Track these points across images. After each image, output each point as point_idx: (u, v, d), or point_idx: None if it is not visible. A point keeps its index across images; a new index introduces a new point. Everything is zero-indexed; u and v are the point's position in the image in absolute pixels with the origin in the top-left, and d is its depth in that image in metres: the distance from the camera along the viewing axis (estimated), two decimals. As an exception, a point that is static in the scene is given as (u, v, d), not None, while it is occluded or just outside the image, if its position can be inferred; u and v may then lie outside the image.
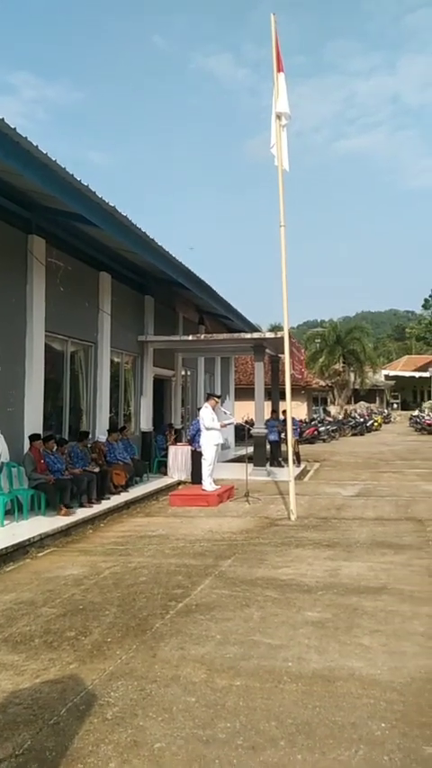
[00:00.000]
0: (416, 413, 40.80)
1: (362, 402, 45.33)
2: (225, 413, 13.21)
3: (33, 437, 9.26)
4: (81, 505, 9.40)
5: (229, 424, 13.22)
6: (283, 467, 14.88)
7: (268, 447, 15.51)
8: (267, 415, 15.69)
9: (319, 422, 31.39)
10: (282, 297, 9.66)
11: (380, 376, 49.09)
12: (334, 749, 2.96)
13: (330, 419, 34.02)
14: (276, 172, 9.66)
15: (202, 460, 11.40)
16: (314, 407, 39.95)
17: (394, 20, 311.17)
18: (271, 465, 15.25)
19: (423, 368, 53.52)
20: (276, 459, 16.09)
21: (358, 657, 4.05)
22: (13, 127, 6.63)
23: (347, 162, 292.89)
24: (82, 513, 9.01)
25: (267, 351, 15.47)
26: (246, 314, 19.32)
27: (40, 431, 9.63)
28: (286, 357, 10.19)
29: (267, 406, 15.85)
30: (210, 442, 11.30)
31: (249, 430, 14.19)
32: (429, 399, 50.42)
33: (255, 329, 20.31)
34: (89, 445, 10.93)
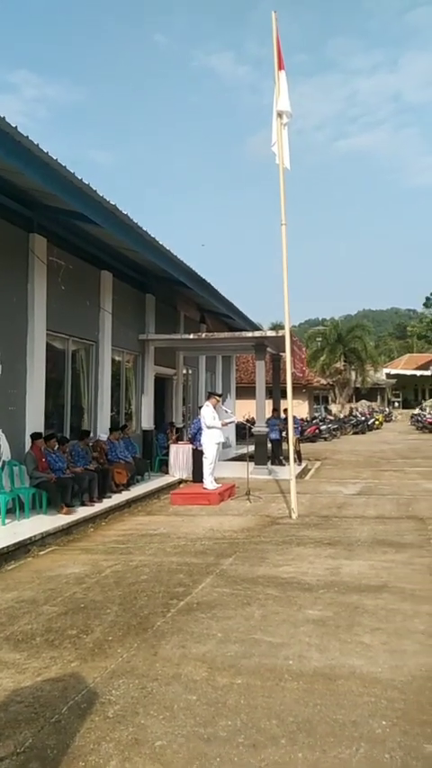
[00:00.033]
0: (417, 411, 40.77)
1: (363, 400, 45.28)
2: (226, 411, 13.21)
3: (35, 436, 9.27)
4: (82, 504, 9.41)
5: (230, 422, 13.22)
6: (284, 465, 14.88)
7: (269, 445, 15.51)
8: (268, 414, 15.69)
9: (321, 420, 31.40)
10: (283, 295, 9.66)
11: (381, 374, 49.02)
12: (335, 747, 2.97)
13: (331, 417, 34.01)
14: (277, 170, 9.65)
15: (204, 459, 11.40)
16: (315, 406, 39.96)
17: (396, 17, 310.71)
18: (272, 463, 15.25)
19: (424, 366, 53.46)
20: (277, 457, 16.09)
21: (359, 656, 4.05)
22: (14, 125, 6.63)
23: (349, 160, 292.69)
24: (83, 511, 9.02)
25: (269, 349, 15.46)
26: (247, 312, 19.33)
27: (41, 429, 9.64)
28: (287, 355, 10.19)
29: (268, 404, 15.85)
30: (211, 441, 11.31)
31: (250, 428, 14.20)
32: (431, 398, 50.40)
33: (256, 328, 20.30)
34: (90, 444, 10.94)
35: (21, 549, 7.10)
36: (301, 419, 28.61)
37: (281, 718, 3.25)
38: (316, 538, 7.71)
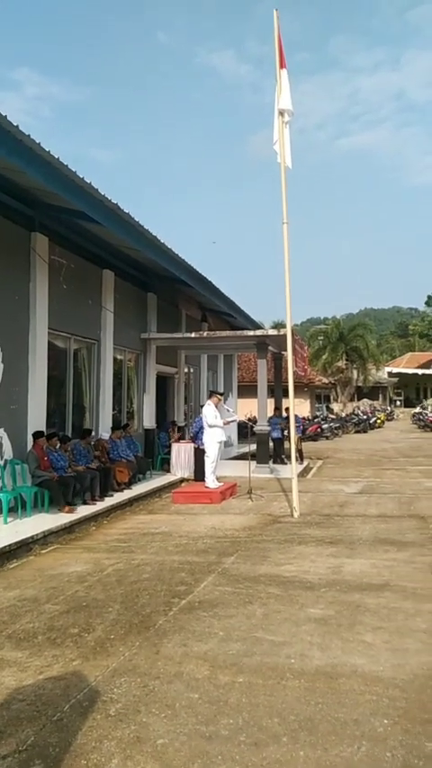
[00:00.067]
0: (418, 410, 40.74)
1: (365, 399, 45.28)
2: (228, 410, 13.22)
3: (37, 434, 9.28)
4: (84, 503, 9.43)
5: (231, 421, 13.23)
6: (285, 464, 14.88)
7: (271, 444, 15.51)
8: (270, 413, 15.69)
9: (322, 419, 31.40)
10: (285, 294, 9.66)
11: (383, 373, 48.95)
12: (336, 745, 2.97)
13: (333, 416, 34.00)
14: (279, 169, 9.64)
15: (205, 458, 11.40)
16: (317, 405, 39.94)
17: (398, 15, 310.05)
18: (274, 462, 15.26)
19: (426, 365, 53.45)
20: (279, 456, 16.10)
21: (361, 654, 4.05)
22: (15, 124, 6.63)
23: (351, 159, 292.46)
24: (85, 510, 9.03)
25: (270, 348, 15.46)
26: (249, 311, 19.32)
27: (43, 428, 9.65)
28: (289, 354, 10.18)
29: (270, 403, 15.86)
30: (212, 440, 11.31)
31: (252, 427, 14.20)
32: (433, 396, 50.38)
33: (258, 326, 20.31)
34: (92, 442, 10.95)
35: (23, 548, 7.11)
36: (303, 418, 28.60)
37: (282, 717, 3.25)
38: (318, 536, 7.71)
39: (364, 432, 32.64)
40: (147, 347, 14.80)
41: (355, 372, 41.08)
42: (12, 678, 3.79)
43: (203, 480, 11.34)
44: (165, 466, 14.14)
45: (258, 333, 15.19)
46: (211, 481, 11.15)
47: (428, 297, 79.29)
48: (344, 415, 36.09)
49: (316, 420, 30.90)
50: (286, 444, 15.98)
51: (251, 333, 15.50)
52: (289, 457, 11.36)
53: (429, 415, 34.75)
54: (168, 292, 15.79)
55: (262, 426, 14.40)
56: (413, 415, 39.89)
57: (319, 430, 27.90)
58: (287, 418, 12.76)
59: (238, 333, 16.14)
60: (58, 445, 9.58)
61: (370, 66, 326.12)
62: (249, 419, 20.92)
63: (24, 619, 4.85)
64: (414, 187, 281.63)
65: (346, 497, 10.98)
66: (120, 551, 7.13)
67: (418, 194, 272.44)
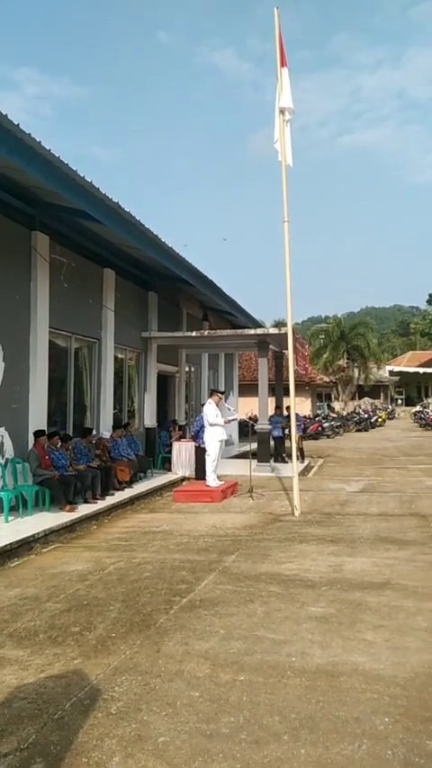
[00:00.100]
0: (418, 408, 40.71)
1: (366, 398, 45.25)
2: (229, 409, 13.22)
3: (38, 433, 9.29)
4: (85, 501, 9.43)
5: (232, 420, 13.23)
6: (286, 463, 14.88)
7: (272, 443, 15.51)
8: (271, 411, 15.68)
9: (323, 418, 31.38)
10: (286, 292, 9.66)
11: (384, 372, 48.92)
12: (337, 744, 2.97)
13: (334, 415, 33.99)
14: (280, 167, 9.63)
15: (206, 456, 11.41)
16: (318, 403, 39.94)
17: (400, 12, 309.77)
18: (275, 461, 15.25)
19: (427, 363, 53.34)
20: (280, 455, 16.10)
21: (362, 652, 4.05)
22: (16, 123, 6.62)
23: (353, 157, 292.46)
24: (86, 509, 9.04)
25: (271, 347, 15.45)
26: (249, 310, 19.31)
27: (44, 427, 9.65)
28: (290, 353, 10.18)
29: (271, 402, 15.85)
30: (213, 438, 11.32)
31: (253, 426, 14.20)
32: (434, 395, 50.35)
33: (258, 325, 20.31)
34: (93, 441, 10.96)
35: (24, 547, 7.12)
36: (304, 416, 28.58)
37: (283, 715, 3.25)
38: (319, 535, 7.71)
39: (366, 430, 32.63)
40: (148, 346, 14.80)
41: (356, 371, 41.06)
42: (13, 676, 3.79)
43: (204, 479, 11.35)
44: (166, 465, 14.15)
45: (259, 332, 15.18)
46: (212, 480, 11.15)
47: (430, 295, 79.21)
48: (345, 413, 36.08)
49: (317, 419, 30.88)
50: (287, 443, 15.98)
51: (252, 332, 15.49)
52: (290, 455, 11.36)
53: (430, 413, 34.72)
54: (169, 291, 15.79)
55: (263, 425, 14.39)
56: (414, 414, 39.86)
57: (320, 428, 27.89)
58: (288, 417, 12.78)
59: (239, 332, 16.14)
60: (60, 444, 9.58)
61: (372, 63, 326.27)
62: (250, 418, 20.89)
63: (25, 617, 4.86)
64: (416, 185, 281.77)
65: (348, 496, 10.98)
66: (121, 550, 7.14)
67: (420, 192, 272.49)
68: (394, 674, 3.74)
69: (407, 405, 53.34)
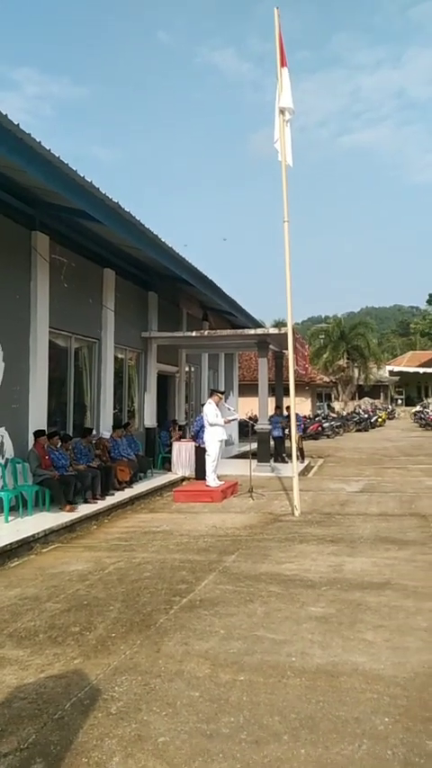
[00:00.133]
0: (418, 408, 40.70)
1: (366, 398, 45.25)
2: (229, 409, 13.22)
3: (38, 433, 9.29)
4: (85, 501, 9.43)
5: (232, 420, 13.23)
6: (286, 463, 14.88)
7: (272, 443, 15.51)
8: (271, 411, 15.68)
9: (323, 418, 31.37)
10: (286, 292, 9.66)
11: (384, 372, 48.92)
12: (337, 744, 2.97)
13: (334, 415, 33.99)
14: (280, 167, 9.63)
15: (206, 456, 11.41)
16: (318, 403, 39.93)
17: (399, 12, 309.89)
18: (275, 461, 15.25)
19: (427, 363, 53.32)
20: (280, 455, 16.10)
21: (362, 652, 4.05)
22: (16, 123, 6.62)
23: (352, 157, 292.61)
24: (86, 509, 9.04)
25: (271, 347, 15.45)
26: (249, 310, 19.31)
27: (44, 427, 9.65)
28: (290, 353, 10.18)
29: (271, 402, 15.85)
30: (213, 438, 11.32)
31: (253, 426, 14.20)
32: (434, 395, 50.35)
33: (258, 325, 20.31)
34: (93, 441, 10.96)
35: (24, 547, 7.12)
36: (304, 416, 28.57)
37: (283, 715, 3.25)
38: (319, 535, 7.71)
39: (366, 430, 32.63)
40: (148, 346, 14.80)
41: (356, 371, 41.06)
42: (13, 676, 3.79)
43: (204, 479, 11.35)
44: (166, 465, 14.15)
45: (259, 331, 15.18)
46: (212, 480, 11.15)
47: (430, 295, 79.22)
48: (345, 413, 36.07)
49: (317, 419, 30.88)
50: (287, 443, 15.97)
51: (252, 332, 15.49)
52: (290, 455, 11.36)
53: (430, 413, 34.71)
54: (169, 291, 15.79)
55: (263, 425, 14.40)
56: (414, 414, 39.86)
57: (320, 428, 27.89)
58: (288, 417, 12.78)
59: (239, 332, 16.14)
60: (60, 444, 9.58)
61: (371, 63, 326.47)
62: (250, 418, 20.89)
63: (25, 617, 4.86)
64: (415, 185, 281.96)
65: (348, 496, 10.98)
66: (121, 550, 7.14)
67: (419, 192, 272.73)
68: (394, 673, 3.74)
69: (407, 405, 53.34)
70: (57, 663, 3.97)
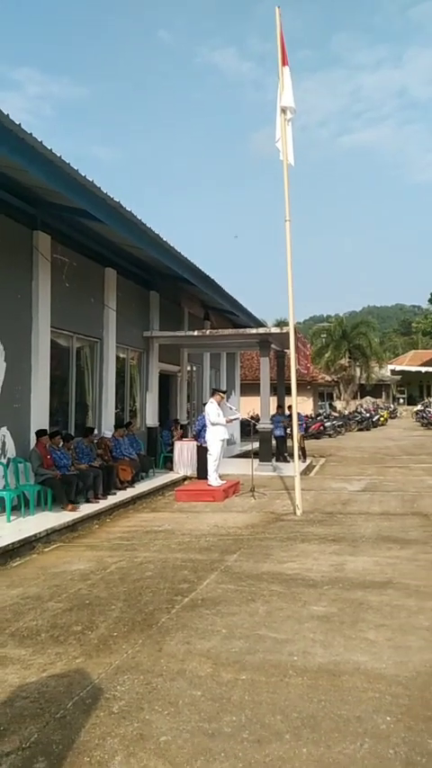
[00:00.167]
0: (419, 407, 40.67)
1: (368, 397, 45.25)
2: (230, 408, 13.21)
3: (40, 433, 9.29)
4: (87, 501, 9.44)
5: (234, 419, 13.23)
6: (288, 462, 14.88)
7: (274, 442, 15.51)
8: (273, 411, 15.69)
9: (325, 417, 31.35)
10: (287, 292, 9.65)
11: (386, 371, 48.93)
12: (339, 743, 2.97)
13: (336, 414, 33.97)
14: (281, 166, 9.62)
15: (208, 456, 11.41)
16: (320, 402, 39.91)
17: (400, 12, 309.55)
18: (276, 460, 15.25)
19: (429, 363, 53.27)
20: (282, 454, 16.09)
21: (363, 652, 4.05)
22: (17, 123, 6.63)
23: (353, 156, 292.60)
24: (88, 508, 9.04)
25: (273, 346, 15.45)
26: (251, 309, 19.31)
27: (46, 426, 9.65)
28: (292, 352, 10.18)
29: (273, 401, 15.85)
30: (215, 438, 11.32)
31: (255, 425, 14.20)
32: (436, 394, 50.31)
33: (260, 324, 20.29)
34: (95, 441, 10.96)
35: (26, 546, 7.12)
36: (306, 416, 28.58)
37: (285, 714, 3.25)
38: (320, 534, 7.71)
39: (367, 430, 32.62)
40: (149, 345, 14.81)
41: (357, 370, 41.06)
42: (15, 676, 3.80)
43: (206, 478, 11.35)
44: (167, 464, 14.16)
45: (261, 331, 15.18)
46: (213, 479, 11.16)
47: (431, 294, 79.02)
48: (347, 412, 36.06)
49: (319, 418, 30.86)
50: (289, 442, 15.95)
51: (254, 331, 15.49)
52: (292, 455, 11.34)
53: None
54: (171, 290, 15.79)
55: (265, 424, 14.40)
56: (416, 413, 39.83)
57: (321, 428, 27.87)
58: (290, 416, 12.77)
59: (241, 331, 16.14)
60: (61, 443, 9.59)
61: (372, 63, 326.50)
62: (252, 417, 20.89)
63: (27, 617, 4.86)
64: (416, 184, 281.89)
65: (349, 495, 10.98)
66: (123, 549, 7.14)
67: (420, 191, 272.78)
68: (396, 673, 3.74)
69: (409, 404, 53.34)
70: (59, 662, 3.98)
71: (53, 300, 10.14)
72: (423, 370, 52.55)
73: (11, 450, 9.06)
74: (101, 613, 4.88)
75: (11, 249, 9.27)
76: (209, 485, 11.08)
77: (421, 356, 57.99)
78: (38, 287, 9.77)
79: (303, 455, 15.74)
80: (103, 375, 12.36)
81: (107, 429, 12.01)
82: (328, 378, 39.35)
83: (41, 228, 9.83)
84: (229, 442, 14.80)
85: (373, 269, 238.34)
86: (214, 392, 12.29)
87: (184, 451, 13.62)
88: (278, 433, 15.94)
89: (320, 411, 36.32)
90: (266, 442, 14.49)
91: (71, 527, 8.19)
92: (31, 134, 6.88)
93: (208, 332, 15.95)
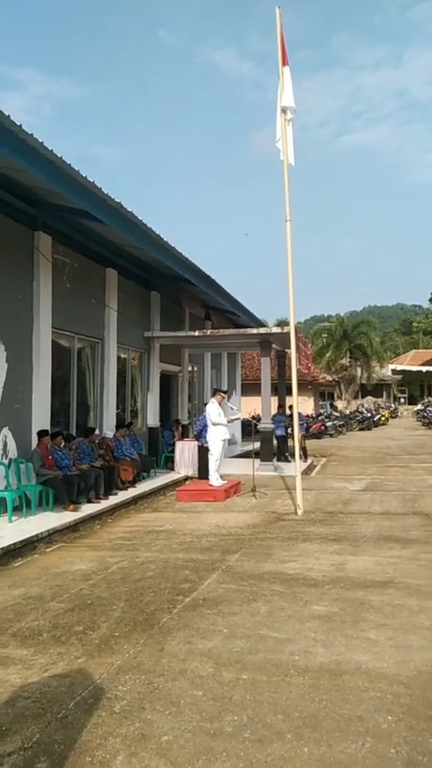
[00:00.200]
0: (420, 407, 40.65)
1: (369, 397, 45.23)
2: (231, 408, 13.21)
3: (41, 433, 9.30)
4: (89, 501, 9.44)
5: (235, 419, 13.22)
6: (289, 462, 14.88)
7: (275, 442, 15.51)
8: (274, 411, 15.69)
9: (326, 417, 31.34)
10: (288, 292, 9.64)
11: (387, 370, 48.92)
12: (341, 742, 2.97)
13: (337, 414, 33.95)
14: (282, 166, 9.62)
15: (209, 456, 11.42)
16: (321, 402, 39.90)
17: (400, 12, 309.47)
18: (278, 460, 15.25)
19: (430, 362, 53.26)
20: (283, 454, 16.09)
21: (365, 651, 4.06)
22: (18, 124, 6.63)
23: (353, 156, 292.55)
24: (89, 508, 9.05)
25: (274, 346, 15.45)
26: (252, 309, 19.31)
27: (47, 427, 9.66)
28: (293, 352, 10.19)
29: (274, 401, 15.85)
30: (216, 438, 11.33)
31: (256, 425, 14.20)
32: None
33: (261, 324, 20.29)
34: (96, 441, 10.97)
35: (28, 546, 7.13)
36: (307, 416, 28.57)
37: (287, 714, 3.26)
38: (322, 534, 7.72)
39: (368, 429, 32.60)
40: (150, 346, 14.82)
41: (358, 370, 41.06)
42: (17, 676, 3.80)
43: (207, 478, 11.35)
44: (169, 464, 14.17)
45: (262, 331, 15.19)
46: (214, 479, 11.16)
47: (432, 294, 79.00)
48: (348, 412, 36.05)
49: (320, 418, 30.85)
50: (290, 442, 15.95)
51: (255, 331, 15.50)
52: (293, 455, 11.34)
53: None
54: (172, 291, 15.79)
55: (266, 424, 14.40)
56: (417, 413, 39.80)
57: (322, 427, 27.86)
58: (291, 416, 12.77)
59: (242, 331, 16.14)
60: (63, 444, 9.60)
61: (372, 63, 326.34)
62: (253, 417, 20.90)
63: (29, 617, 4.87)
64: (416, 184, 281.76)
65: (350, 495, 10.98)
66: (124, 549, 7.15)
67: (420, 191, 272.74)
68: (397, 672, 3.74)
69: (410, 403, 53.33)
70: (60, 662, 3.98)
71: (54, 301, 10.15)
72: (424, 369, 52.52)
73: (12, 451, 9.07)
74: (102, 613, 4.88)
75: (12, 250, 9.28)
76: (210, 485, 11.08)
77: (422, 356, 57.96)
78: (39, 287, 9.77)
79: (304, 455, 15.74)
80: (104, 375, 12.37)
81: (108, 429, 12.02)
82: (329, 377, 39.34)
83: (42, 229, 9.84)
84: (231, 441, 14.80)
85: (374, 269, 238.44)
86: (215, 392, 12.29)
87: (185, 451, 13.63)
88: (279, 432, 15.94)
89: (321, 411, 36.30)
90: (267, 442, 14.49)
91: (73, 527, 8.20)
92: (32, 135, 6.89)
93: (209, 332, 15.96)
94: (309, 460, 16.16)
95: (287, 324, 13.74)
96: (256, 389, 15.52)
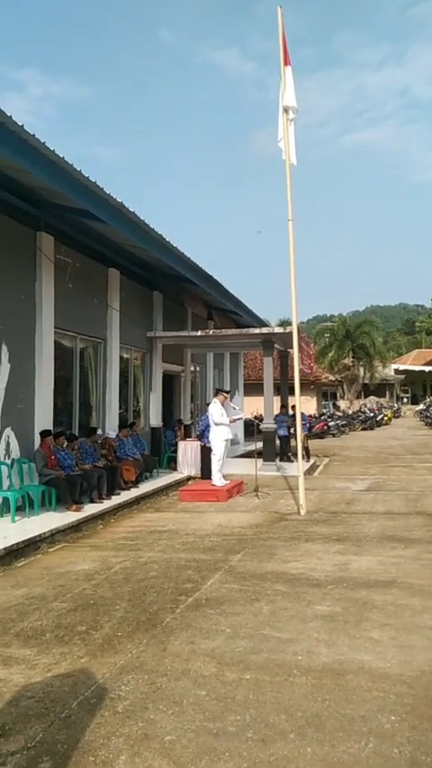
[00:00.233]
0: (422, 407, 40.60)
1: (371, 396, 45.16)
2: (234, 408, 13.22)
3: (44, 433, 9.31)
4: (91, 501, 9.45)
5: (237, 419, 13.23)
6: (292, 462, 14.87)
7: (278, 442, 15.51)
8: (277, 411, 15.68)
9: (329, 416, 31.31)
10: (290, 291, 9.64)
11: (389, 370, 48.87)
12: (344, 742, 2.97)
13: (340, 414, 33.93)
14: (284, 166, 9.62)
15: (212, 456, 11.42)
16: (324, 402, 39.89)
17: (401, 11, 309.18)
18: (280, 460, 15.24)
19: (433, 362, 53.22)
20: (286, 454, 16.08)
21: (368, 651, 4.05)
22: (20, 124, 6.64)
23: (355, 156, 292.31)
24: (92, 508, 9.05)
25: (276, 346, 15.44)
26: (254, 309, 19.30)
27: (50, 427, 9.68)
28: (295, 352, 10.17)
29: (276, 401, 15.83)
30: (219, 438, 11.32)
31: (259, 425, 14.19)
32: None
33: (263, 324, 20.29)
34: (99, 441, 10.98)
35: (30, 546, 7.14)
36: (310, 415, 28.50)
37: (290, 713, 3.26)
38: (324, 534, 7.71)
39: (371, 429, 32.57)
40: (153, 346, 14.82)
41: (361, 370, 41.03)
42: (20, 675, 3.81)
43: (210, 478, 11.35)
44: (171, 464, 14.17)
45: (264, 331, 15.18)
46: (217, 479, 11.16)
47: (435, 293, 78.87)
48: (350, 412, 36.02)
49: (322, 417, 30.82)
50: (293, 442, 15.94)
51: (257, 331, 15.49)
52: (295, 454, 11.33)
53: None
54: (174, 291, 15.80)
55: (268, 424, 14.40)
56: (419, 412, 39.76)
57: (325, 427, 27.84)
58: (293, 416, 12.75)
59: (244, 331, 16.13)
60: (65, 444, 9.61)
61: (374, 62, 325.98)
62: (256, 417, 20.89)
63: (32, 617, 4.87)
64: (419, 183, 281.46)
65: (353, 494, 10.97)
66: (127, 549, 7.15)
67: (422, 191, 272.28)
68: (400, 672, 3.74)
69: (412, 403, 53.27)
70: (63, 662, 3.99)
71: (56, 301, 10.16)
72: (427, 369, 52.48)
73: (15, 451, 9.08)
74: (105, 613, 4.89)
75: (14, 250, 9.29)
76: (213, 485, 11.08)
77: (425, 355, 57.89)
78: (41, 288, 9.78)
79: (307, 455, 15.72)
80: (106, 375, 12.38)
81: (111, 429, 12.03)
82: (331, 377, 39.33)
83: (44, 229, 9.85)
84: (233, 441, 14.80)
85: (376, 268, 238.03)
86: (218, 392, 12.29)
87: (187, 451, 13.63)
88: (282, 432, 15.93)
89: (324, 410, 36.28)
90: (270, 442, 14.49)
91: (75, 527, 8.21)
92: (33, 135, 6.90)
93: (211, 332, 15.96)
94: (311, 460, 16.16)
95: (290, 324, 13.74)
96: (259, 389, 15.50)
